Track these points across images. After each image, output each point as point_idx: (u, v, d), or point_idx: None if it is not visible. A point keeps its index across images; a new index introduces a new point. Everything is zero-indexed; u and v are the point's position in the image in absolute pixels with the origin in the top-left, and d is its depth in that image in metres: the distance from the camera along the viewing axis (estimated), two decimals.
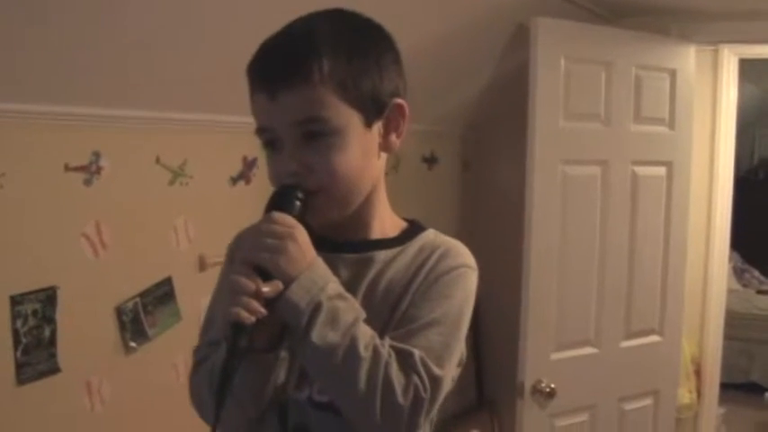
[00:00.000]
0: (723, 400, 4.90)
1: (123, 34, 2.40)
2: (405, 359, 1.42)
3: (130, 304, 2.84)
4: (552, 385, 3.59)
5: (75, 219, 2.67)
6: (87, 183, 2.67)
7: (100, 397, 2.77)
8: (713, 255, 4.56)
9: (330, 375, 1.43)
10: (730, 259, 5.57)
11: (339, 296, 1.45)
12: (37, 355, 2.56)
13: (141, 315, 2.85)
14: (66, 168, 2.61)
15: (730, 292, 5.29)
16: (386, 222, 1.67)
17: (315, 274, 1.44)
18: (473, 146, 4.78)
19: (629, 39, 3.83)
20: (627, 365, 3.91)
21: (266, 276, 1.40)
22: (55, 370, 2.62)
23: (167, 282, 2.94)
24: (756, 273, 8.61)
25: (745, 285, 8.26)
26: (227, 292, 1.42)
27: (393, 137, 1.60)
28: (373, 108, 1.54)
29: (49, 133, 2.54)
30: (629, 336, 3.94)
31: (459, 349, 1.57)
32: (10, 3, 2.08)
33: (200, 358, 1.65)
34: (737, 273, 8.27)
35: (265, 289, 1.39)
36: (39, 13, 2.15)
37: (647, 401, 4.06)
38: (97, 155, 2.69)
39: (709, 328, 4.60)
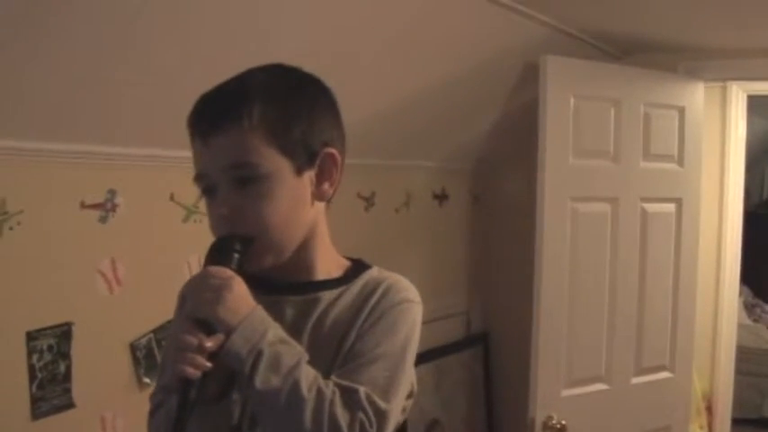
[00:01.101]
0: None
1: (140, 73, 2.44)
2: (349, 396, 1.45)
3: (144, 340, 2.86)
4: (563, 422, 3.59)
5: (90, 255, 2.69)
6: (103, 220, 2.70)
7: None
8: (723, 290, 4.56)
9: (277, 418, 1.46)
10: (741, 294, 5.56)
11: (280, 341, 1.48)
12: (52, 390, 2.58)
13: (155, 351, 2.87)
14: (83, 206, 2.64)
15: (741, 327, 5.27)
16: (330, 263, 1.69)
17: (255, 322, 1.47)
18: (483, 182, 4.81)
19: (637, 76, 3.86)
20: (638, 402, 3.91)
21: (210, 329, 1.45)
22: (69, 405, 2.64)
23: None
24: (767, 307, 8.58)
25: (755, 320, 8.21)
26: (173, 350, 1.46)
27: (326, 185, 1.63)
28: (304, 156, 1.57)
29: (66, 171, 2.58)
30: (640, 372, 3.94)
31: (406, 382, 1.59)
32: (25, 43, 2.11)
33: (156, 403, 1.69)
34: (748, 308, 8.24)
35: (209, 344, 1.43)
36: (55, 51, 2.19)
37: None
38: (112, 192, 2.72)
39: (720, 363, 4.59)
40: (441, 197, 4.52)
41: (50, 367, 2.58)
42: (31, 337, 2.52)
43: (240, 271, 1.51)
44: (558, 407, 3.63)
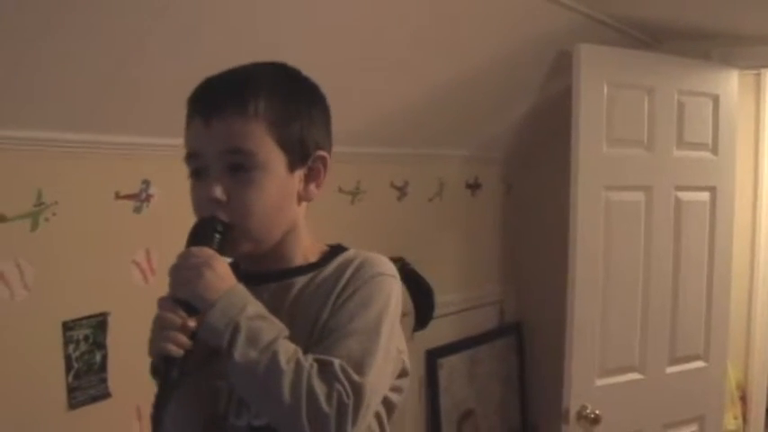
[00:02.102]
0: None
1: (173, 64, 2.45)
2: (325, 368, 1.45)
3: None
4: (597, 411, 3.58)
5: (125, 246, 2.71)
6: (137, 210, 2.72)
7: (149, 422, 2.79)
8: (758, 279, 4.53)
9: (256, 391, 1.47)
10: None
11: (259, 316, 1.49)
12: (88, 379, 2.61)
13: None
14: (117, 196, 2.66)
15: None
16: (307, 251, 1.71)
17: (234, 298, 1.49)
18: (516, 171, 4.80)
19: (671, 64, 3.83)
20: (672, 391, 3.89)
21: (191, 309, 1.47)
22: (105, 395, 2.67)
23: None
24: None
25: None
26: (154, 329, 1.49)
27: (312, 186, 1.67)
28: (299, 154, 1.62)
29: (101, 162, 2.60)
30: (674, 361, 3.92)
31: (386, 356, 1.57)
32: (61, 35, 2.13)
33: None
34: None
35: (191, 324, 1.46)
36: (89, 43, 2.20)
37: (693, 428, 4.03)
38: (147, 183, 2.73)
39: (755, 353, 4.57)
40: (474, 186, 4.51)
41: (86, 357, 2.60)
42: (67, 327, 2.54)
43: (221, 252, 1.53)
44: (591, 396, 3.63)
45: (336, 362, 1.46)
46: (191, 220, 2.87)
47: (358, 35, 2.84)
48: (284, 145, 1.58)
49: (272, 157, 1.57)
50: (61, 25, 2.10)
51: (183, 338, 1.45)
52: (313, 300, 1.61)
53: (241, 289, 1.52)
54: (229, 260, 1.58)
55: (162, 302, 1.51)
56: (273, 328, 1.49)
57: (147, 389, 2.78)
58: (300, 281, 1.64)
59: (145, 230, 2.75)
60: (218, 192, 1.54)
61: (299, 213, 1.67)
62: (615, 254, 3.69)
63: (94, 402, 2.63)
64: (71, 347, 2.55)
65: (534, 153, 4.71)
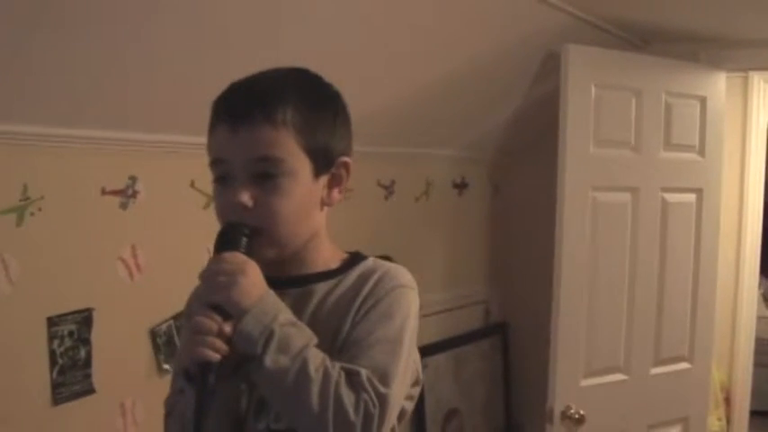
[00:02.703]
0: (753, 427, 4.86)
1: (160, 60, 2.44)
2: (353, 378, 1.48)
3: (164, 326, 2.87)
4: (582, 411, 3.59)
5: (111, 242, 2.71)
6: (123, 206, 2.71)
7: (133, 418, 2.79)
8: (743, 281, 4.53)
9: (285, 398, 1.49)
10: (760, 286, 5.53)
11: (290, 323, 1.51)
12: (72, 375, 2.60)
13: (175, 337, 2.88)
14: (103, 192, 2.66)
15: (760, 318, 5.24)
16: (327, 257, 1.72)
17: (267, 305, 1.51)
18: (503, 171, 4.80)
19: (659, 65, 3.84)
20: (656, 392, 3.90)
21: (225, 314, 1.49)
22: (90, 391, 2.66)
23: None
24: None
25: None
26: (190, 334, 1.50)
27: (335, 192, 1.69)
28: (323, 160, 1.63)
29: (87, 157, 2.59)
30: (659, 363, 3.93)
31: (407, 368, 1.60)
32: (48, 30, 2.12)
33: (170, 408, 1.73)
34: (767, 299, 8.21)
35: (227, 329, 1.47)
36: (76, 38, 2.19)
37: (677, 429, 4.04)
38: (133, 179, 2.73)
39: (739, 354, 4.57)
40: (460, 186, 4.52)
41: (71, 353, 2.59)
42: (52, 322, 2.53)
43: (249, 256, 1.54)
44: (576, 397, 3.63)
45: (364, 372, 1.48)
46: (177, 216, 2.87)
47: (344, 35, 2.84)
48: (310, 152, 1.59)
49: (299, 163, 1.58)
50: (49, 21, 2.09)
51: (221, 344, 1.47)
52: (334, 310, 1.62)
53: (273, 296, 1.53)
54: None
55: (197, 307, 1.52)
56: (304, 336, 1.51)
57: (132, 385, 2.79)
58: (321, 288, 1.66)
59: (131, 227, 2.74)
60: (246, 198, 1.55)
61: (321, 219, 1.69)
62: (601, 255, 3.69)
63: (79, 398, 2.63)
64: (56, 343, 2.54)
65: (521, 153, 4.71)
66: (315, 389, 1.44)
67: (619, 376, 3.82)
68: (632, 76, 3.73)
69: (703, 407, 4.15)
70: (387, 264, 1.70)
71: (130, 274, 2.76)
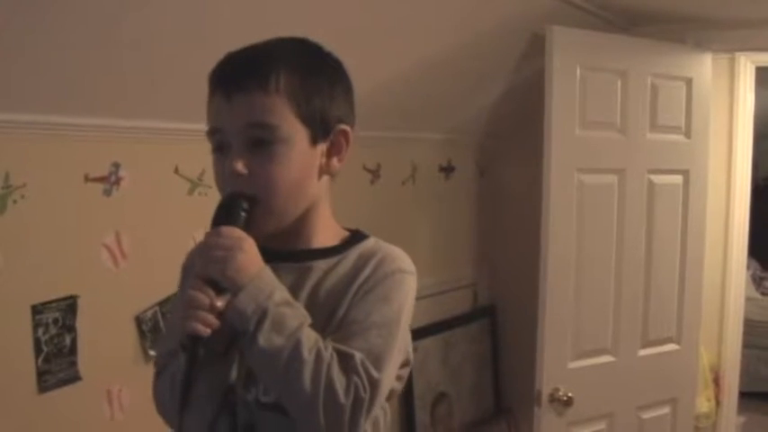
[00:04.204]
0: (742, 408, 4.88)
1: (143, 46, 2.43)
2: (346, 361, 1.48)
3: (150, 313, 2.86)
4: (570, 394, 3.60)
5: (95, 229, 2.70)
6: (107, 193, 2.70)
7: (120, 405, 2.79)
8: (731, 262, 4.54)
9: (276, 377, 1.50)
10: (748, 267, 5.56)
11: (285, 303, 1.51)
12: (58, 363, 2.59)
13: (160, 324, 2.88)
14: (87, 179, 2.64)
15: (748, 300, 5.26)
16: (328, 234, 1.72)
17: (262, 283, 1.51)
18: (489, 154, 4.80)
19: (644, 47, 3.84)
20: (644, 374, 3.92)
21: (219, 288, 1.49)
22: (75, 378, 2.66)
23: None
24: None
25: (763, 293, 8.20)
26: (183, 307, 1.50)
27: (335, 160, 1.68)
28: (320, 128, 1.62)
29: (70, 144, 2.58)
30: (647, 344, 3.94)
31: (400, 350, 1.62)
32: (29, 15, 2.10)
33: (160, 368, 1.74)
34: (756, 281, 8.23)
35: (219, 303, 1.48)
36: (58, 25, 2.18)
37: (665, 410, 4.06)
38: (116, 165, 2.71)
39: (728, 336, 4.59)
40: (447, 169, 4.51)
41: (56, 341, 2.59)
42: (36, 310, 2.53)
43: (247, 230, 1.54)
44: (564, 379, 3.64)
45: (357, 355, 1.49)
46: (161, 202, 2.86)
47: (326, 18, 2.82)
48: (306, 119, 1.59)
49: (294, 131, 1.58)
50: (31, 6, 2.08)
51: (211, 318, 1.47)
52: (333, 289, 1.62)
53: (269, 273, 1.53)
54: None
55: (192, 281, 1.51)
56: (298, 315, 1.51)
57: (118, 372, 2.79)
58: (320, 266, 1.65)
59: (114, 213, 2.73)
60: (240, 166, 1.54)
61: (320, 188, 1.68)
62: (588, 237, 3.70)
63: (64, 386, 2.62)
64: (40, 331, 2.54)
65: (507, 136, 4.71)
66: (307, 370, 1.44)
67: (607, 358, 3.83)
68: (618, 57, 3.72)
69: (692, 388, 4.17)
70: (387, 246, 1.71)
71: (115, 261, 2.75)
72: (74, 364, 2.65)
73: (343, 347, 1.50)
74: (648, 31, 4.09)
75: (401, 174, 4.17)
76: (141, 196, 2.79)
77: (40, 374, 2.55)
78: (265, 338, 1.46)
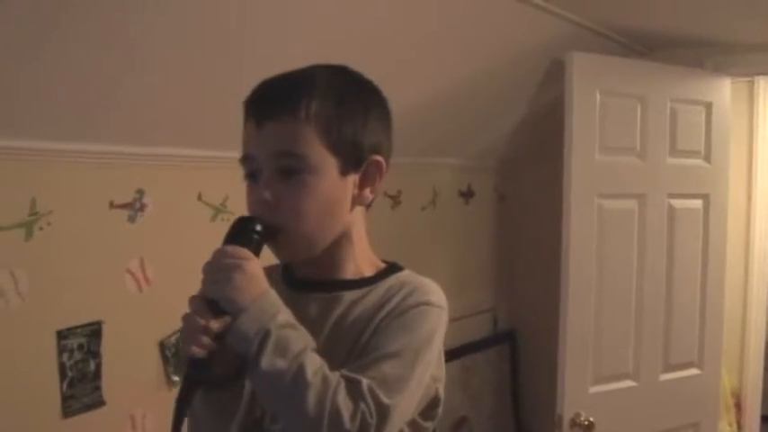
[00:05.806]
0: None
1: (167, 75, 2.46)
2: (352, 386, 1.43)
3: (173, 338, 2.88)
4: (591, 419, 3.58)
5: (119, 255, 2.72)
6: (131, 219, 2.72)
7: (143, 430, 2.80)
8: (752, 287, 4.54)
9: (279, 401, 1.45)
10: None
11: (289, 325, 1.46)
12: (82, 388, 2.61)
13: None
14: (111, 206, 2.67)
15: None
16: (362, 264, 1.69)
17: (265, 304, 1.46)
18: (509, 179, 4.81)
19: (663, 72, 3.84)
20: (666, 399, 3.90)
21: (221, 310, 1.44)
22: (100, 403, 2.67)
23: None
24: None
25: None
26: (183, 328, 1.47)
27: (367, 191, 1.65)
28: (352, 158, 1.60)
29: (95, 171, 2.60)
30: (668, 369, 3.92)
31: (420, 383, 1.56)
32: (54, 44, 2.13)
33: None
34: None
35: (215, 325, 1.43)
36: (84, 53, 2.21)
37: None
38: (141, 192, 2.74)
39: (749, 360, 4.57)
40: (467, 195, 4.52)
41: (81, 366, 2.60)
42: (61, 335, 2.55)
43: (258, 253, 1.51)
44: (585, 404, 3.63)
45: (365, 381, 1.44)
46: (184, 229, 2.88)
47: (350, 44, 2.85)
48: (336, 149, 1.56)
49: (324, 161, 1.55)
50: (56, 35, 2.11)
51: (206, 340, 1.42)
52: (358, 320, 1.58)
53: (273, 294, 1.49)
54: (279, 262, 1.59)
55: (191, 301, 1.47)
56: (302, 339, 1.46)
57: (141, 397, 2.80)
58: (349, 296, 1.62)
59: (139, 239, 2.76)
60: (267, 194, 1.53)
61: (352, 219, 1.66)
62: (608, 262, 3.69)
63: (89, 411, 2.64)
64: (65, 356, 2.56)
65: (527, 161, 4.72)
66: (311, 394, 1.39)
67: (628, 383, 3.82)
68: (637, 82, 3.73)
69: (714, 412, 4.14)
70: (421, 279, 1.67)
71: (139, 287, 2.77)
72: (98, 388, 2.66)
73: (351, 374, 1.45)
74: (667, 56, 4.09)
75: (422, 199, 4.19)
76: (165, 222, 2.81)
77: (65, 399, 2.56)
78: (268, 361, 1.41)
